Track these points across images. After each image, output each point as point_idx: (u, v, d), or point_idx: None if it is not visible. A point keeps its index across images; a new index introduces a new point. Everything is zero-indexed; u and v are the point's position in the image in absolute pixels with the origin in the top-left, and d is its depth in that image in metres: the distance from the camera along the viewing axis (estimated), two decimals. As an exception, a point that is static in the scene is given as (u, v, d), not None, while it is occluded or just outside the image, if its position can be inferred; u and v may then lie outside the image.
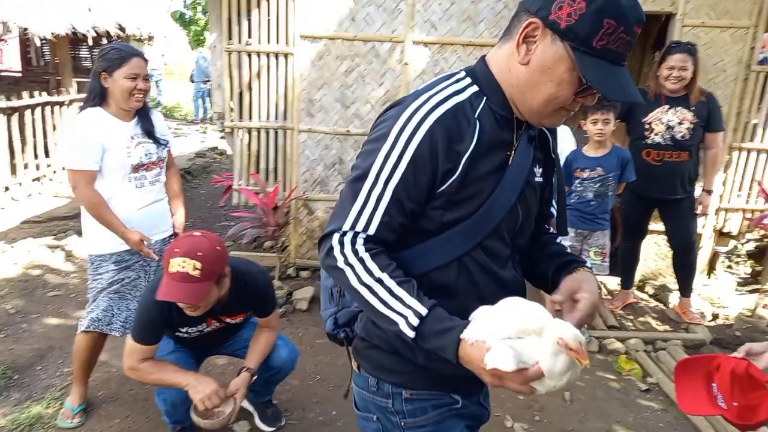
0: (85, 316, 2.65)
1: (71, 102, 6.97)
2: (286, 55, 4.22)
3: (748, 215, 4.45)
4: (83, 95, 7.24)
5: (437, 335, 1.05)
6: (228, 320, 2.36)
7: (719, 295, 4.48)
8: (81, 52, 11.09)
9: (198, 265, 1.94)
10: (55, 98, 6.70)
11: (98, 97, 2.50)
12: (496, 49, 1.15)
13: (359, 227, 1.11)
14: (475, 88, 1.13)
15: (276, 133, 4.37)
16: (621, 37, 0.99)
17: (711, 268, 4.75)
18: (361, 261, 1.10)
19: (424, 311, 1.06)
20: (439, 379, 1.22)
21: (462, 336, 1.04)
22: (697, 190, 3.83)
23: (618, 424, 2.91)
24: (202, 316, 2.17)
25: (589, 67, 1.00)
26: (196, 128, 12.22)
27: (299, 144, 4.38)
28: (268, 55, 4.21)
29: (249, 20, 4.14)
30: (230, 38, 4.16)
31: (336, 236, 1.13)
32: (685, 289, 3.98)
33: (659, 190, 3.72)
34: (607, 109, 3.30)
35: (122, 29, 7.80)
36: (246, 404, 2.77)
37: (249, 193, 4.24)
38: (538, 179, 1.24)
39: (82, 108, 2.55)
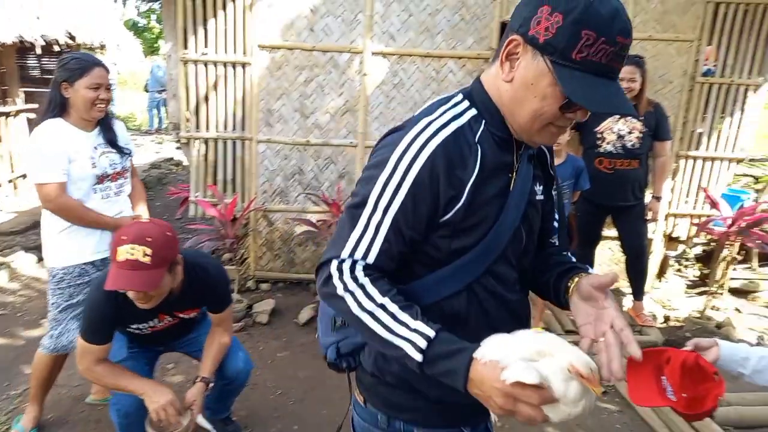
0: (51, 339, 2.56)
1: (18, 112, 6.71)
2: (243, 65, 4.17)
3: (696, 220, 4.63)
4: (31, 105, 7.02)
5: (447, 357, 1.01)
6: (181, 315, 2.27)
7: (670, 298, 4.64)
8: (29, 61, 10.70)
9: (148, 251, 1.84)
10: (0, 108, 6.44)
11: (58, 107, 2.44)
12: (488, 68, 1.14)
13: (358, 255, 1.08)
14: (473, 112, 1.12)
15: (234, 143, 4.31)
16: (603, 48, 0.96)
17: (662, 271, 4.92)
18: (362, 287, 1.07)
19: (432, 333, 1.02)
20: (452, 413, 1.21)
21: (475, 355, 0.99)
22: (647, 197, 3.97)
23: (577, 426, 2.97)
24: (154, 310, 2.08)
25: (569, 80, 0.98)
26: (150, 139, 11.95)
27: (258, 154, 4.33)
28: (225, 64, 4.16)
29: (205, 29, 4.09)
30: (186, 47, 4.10)
31: (334, 263, 1.09)
32: (638, 292, 4.11)
33: (611, 198, 3.83)
34: None
35: (72, 38, 7.57)
36: (204, 423, 2.69)
37: (206, 204, 4.16)
38: (539, 197, 1.23)
39: (41, 119, 2.47)
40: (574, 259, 1.33)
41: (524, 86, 1.03)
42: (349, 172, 4.39)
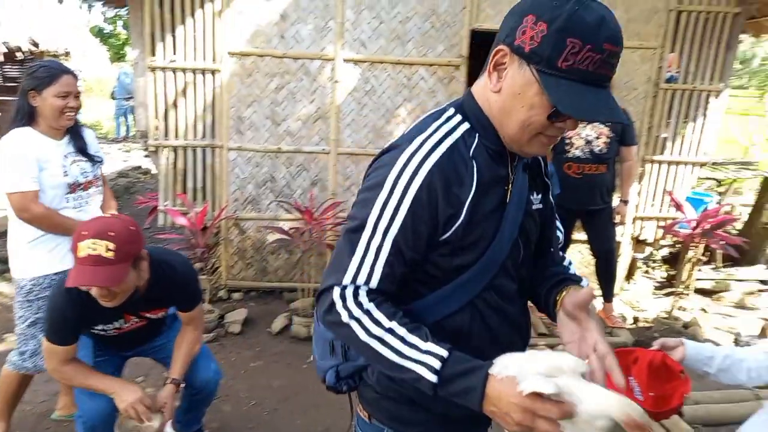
0: (21, 356, 2.49)
1: (-22, 121, 6.52)
2: (213, 72, 4.13)
3: (662, 223, 4.74)
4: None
5: (461, 376, 0.98)
6: (148, 315, 2.19)
7: (638, 299, 4.74)
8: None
9: (111, 245, 1.76)
10: (-41, 117, 6.26)
11: (26, 116, 2.40)
12: (478, 80, 1.13)
13: (360, 280, 1.06)
14: (466, 125, 1.11)
15: (204, 151, 4.26)
16: (589, 56, 0.94)
17: (630, 273, 5.02)
18: (368, 313, 1.05)
19: (444, 353, 1.00)
20: (455, 425, 1.21)
21: (491, 371, 0.97)
22: (615, 201, 4.05)
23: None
24: (119, 310, 2.01)
25: (555, 89, 0.96)
26: (118, 147, 11.71)
27: (229, 162, 4.29)
28: (194, 71, 4.11)
29: (173, 36, 4.04)
30: (153, 54, 4.04)
31: (336, 291, 1.07)
32: (608, 294, 4.18)
33: (580, 202, 3.90)
34: None
35: (36, 45, 7.40)
36: (176, 435, 2.64)
37: (176, 213, 4.09)
38: (537, 206, 1.22)
39: (9, 128, 2.41)
40: (572, 269, 1.32)
41: (512, 96, 1.02)
42: (321, 179, 4.38)
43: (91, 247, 1.76)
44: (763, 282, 5.22)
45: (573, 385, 0.94)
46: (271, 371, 3.46)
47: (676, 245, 5.53)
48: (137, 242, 1.90)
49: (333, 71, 4.19)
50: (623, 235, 4.66)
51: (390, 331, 1.03)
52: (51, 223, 2.40)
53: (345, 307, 1.06)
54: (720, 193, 6.80)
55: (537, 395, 0.91)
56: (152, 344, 2.44)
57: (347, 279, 1.07)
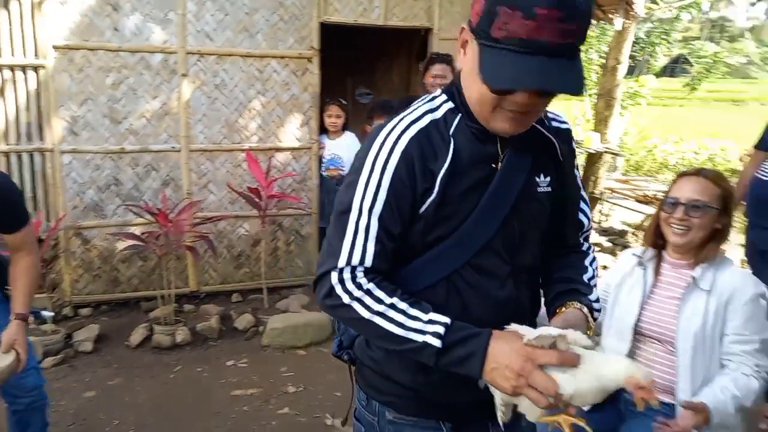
0: None
1: None
2: (36, 68, 3.70)
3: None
4: None
5: (464, 342, 1.01)
6: None
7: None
8: None
9: None
10: None
11: None
12: None
13: (355, 261, 1.08)
14: (450, 105, 1.12)
15: (31, 156, 3.81)
16: (522, 23, 0.89)
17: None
18: (368, 292, 1.07)
19: (447, 320, 1.03)
20: (428, 405, 1.19)
21: (494, 331, 1.01)
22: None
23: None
24: None
25: (489, 60, 0.95)
26: None
27: (63, 166, 3.88)
28: (12, 68, 3.66)
29: (-17, 27, 3.55)
30: (-41, 48, 3.52)
31: (334, 275, 1.09)
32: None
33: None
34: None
35: None
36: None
37: (3, 227, 3.62)
38: (545, 189, 1.17)
39: None
40: (590, 270, 1.27)
41: (470, 72, 1.02)
42: (174, 179, 4.14)
43: None
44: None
45: (578, 346, 0.99)
46: (134, 386, 3.22)
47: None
48: None
49: (176, 64, 3.97)
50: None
51: (392, 306, 1.06)
52: None
53: (345, 289, 1.08)
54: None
55: (539, 347, 0.96)
56: None
57: (342, 261, 1.08)
